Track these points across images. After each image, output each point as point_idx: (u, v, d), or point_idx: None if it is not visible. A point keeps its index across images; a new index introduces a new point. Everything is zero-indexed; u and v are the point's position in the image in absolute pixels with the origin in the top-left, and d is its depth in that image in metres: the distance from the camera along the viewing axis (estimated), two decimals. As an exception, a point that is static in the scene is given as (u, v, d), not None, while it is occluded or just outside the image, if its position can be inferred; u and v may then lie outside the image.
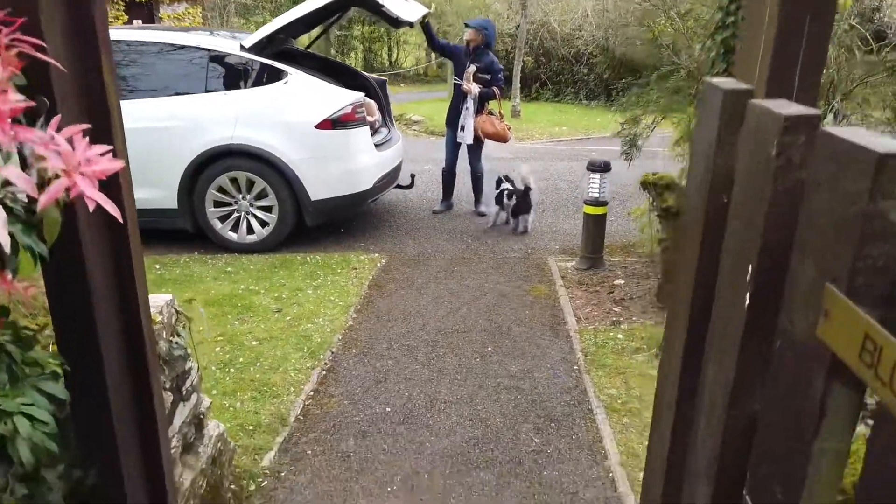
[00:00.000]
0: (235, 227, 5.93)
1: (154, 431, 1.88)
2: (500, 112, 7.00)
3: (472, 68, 6.58)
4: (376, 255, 5.91)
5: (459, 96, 6.74)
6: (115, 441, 1.72)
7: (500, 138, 6.91)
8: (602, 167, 5.42)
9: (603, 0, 16.56)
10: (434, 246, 6.17)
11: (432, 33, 7.02)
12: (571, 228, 6.71)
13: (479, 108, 6.72)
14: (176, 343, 2.14)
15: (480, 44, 6.65)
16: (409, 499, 2.84)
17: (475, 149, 6.85)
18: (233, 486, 2.69)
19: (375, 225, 6.85)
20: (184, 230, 5.91)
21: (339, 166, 5.83)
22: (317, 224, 6.02)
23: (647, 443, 3.26)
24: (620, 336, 4.36)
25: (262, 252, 5.86)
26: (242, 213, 5.89)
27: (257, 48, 5.80)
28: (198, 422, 2.41)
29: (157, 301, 2.17)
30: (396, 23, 6.55)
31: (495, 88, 6.75)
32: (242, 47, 5.76)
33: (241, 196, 5.82)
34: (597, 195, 5.46)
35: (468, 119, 6.62)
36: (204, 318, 4.12)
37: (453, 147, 6.94)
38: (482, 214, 7.02)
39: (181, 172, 5.69)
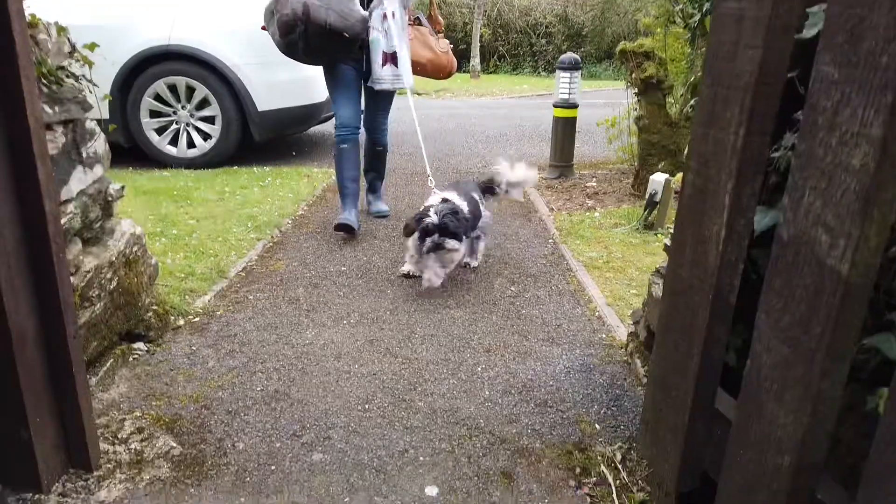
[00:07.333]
0: (175, 141, 5.41)
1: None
2: (434, 15, 3.83)
3: None
4: (332, 170, 5.46)
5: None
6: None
7: (439, 69, 3.74)
8: (572, 65, 5.09)
9: (560, -28, 16.48)
10: (393, 165, 5.74)
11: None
12: (539, 153, 6.37)
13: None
14: (68, 70, 1.68)
15: None
16: (367, 329, 2.42)
17: (386, 108, 3.87)
18: (155, 307, 2.23)
19: (331, 151, 6.40)
20: (116, 144, 5.34)
21: (289, 73, 5.35)
22: (265, 139, 5.54)
23: (634, 291, 2.92)
24: (597, 215, 4.02)
25: (204, 168, 5.35)
26: (182, 125, 5.38)
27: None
28: (104, 204, 1.95)
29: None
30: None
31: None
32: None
33: (180, 105, 5.31)
34: (566, 96, 5.13)
35: (402, 41, 3.38)
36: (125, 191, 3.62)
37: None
38: (383, 215, 4.09)
39: (112, 78, 5.15)
